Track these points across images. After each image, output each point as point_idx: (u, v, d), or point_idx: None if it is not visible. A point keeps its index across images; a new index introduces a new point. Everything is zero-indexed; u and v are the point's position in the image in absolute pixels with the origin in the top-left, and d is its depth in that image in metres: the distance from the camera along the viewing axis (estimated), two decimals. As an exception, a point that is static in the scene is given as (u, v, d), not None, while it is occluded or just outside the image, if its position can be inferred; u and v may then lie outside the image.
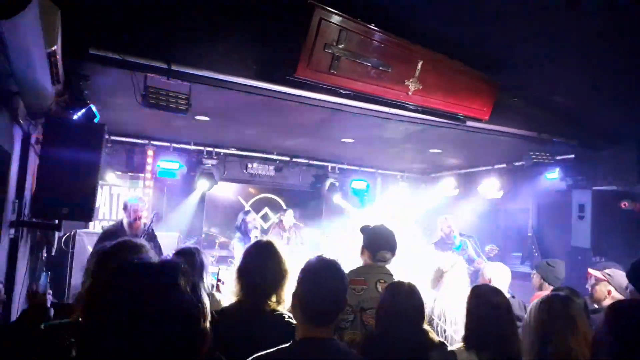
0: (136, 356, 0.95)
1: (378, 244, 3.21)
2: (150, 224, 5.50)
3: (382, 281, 3.04)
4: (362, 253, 3.28)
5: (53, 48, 3.16)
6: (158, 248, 5.43)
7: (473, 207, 8.72)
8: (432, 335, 2.55)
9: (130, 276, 1.04)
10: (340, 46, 4.22)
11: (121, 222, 5.48)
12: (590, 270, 4.14)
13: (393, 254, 3.23)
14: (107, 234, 5.22)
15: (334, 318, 1.92)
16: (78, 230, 6.83)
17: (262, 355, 1.84)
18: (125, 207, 5.48)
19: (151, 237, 5.50)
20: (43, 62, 3.08)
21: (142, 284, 1.01)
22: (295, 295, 1.94)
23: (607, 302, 3.67)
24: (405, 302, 2.46)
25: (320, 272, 1.95)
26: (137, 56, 4.12)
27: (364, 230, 3.37)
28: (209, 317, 1.11)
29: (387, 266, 3.22)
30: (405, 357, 2.33)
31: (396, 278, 3.19)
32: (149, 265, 1.07)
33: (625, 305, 1.68)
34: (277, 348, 1.85)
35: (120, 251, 2.21)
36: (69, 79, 4.28)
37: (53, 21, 3.11)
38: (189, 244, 6.61)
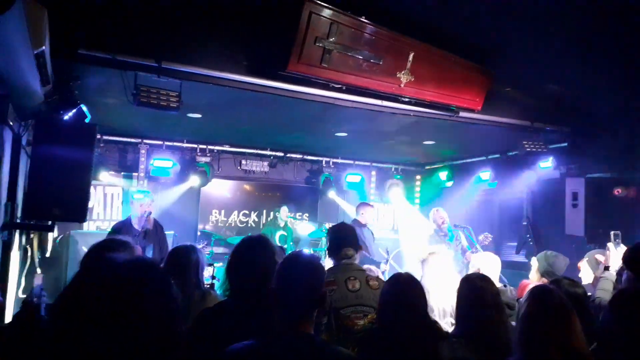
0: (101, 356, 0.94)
1: (338, 242, 3.19)
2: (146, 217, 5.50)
3: (353, 278, 2.99)
4: (329, 255, 3.26)
5: (41, 49, 3.13)
6: (164, 241, 5.54)
7: (468, 197, 8.74)
8: (439, 326, 2.55)
9: (98, 274, 1.02)
10: (331, 40, 4.20)
11: (129, 218, 5.51)
12: (580, 264, 4.20)
13: (356, 250, 3.20)
14: (115, 231, 5.35)
15: (311, 313, 1.90)
16: (72, 232, 6.80)
17: (235, 347, 1.81)
18: (132, 203, 5.50)
19: (162, 230, 5.62)
20: (31, 63, 3.04)
21: (110, 282, 0.99)
22: (271, 290, 1.92)
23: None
24: (406, 291, 2.43)
25: (297, 266, 1.93)
26: (126, 55, 4.10)
27: (327, 233, 3.39)
28: (180, 316, 1.09)
29: (356, 262, 3.20)
30: (413, 348, 2.32)
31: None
32: (118, 264, 1.04)
33: (631, 295, 1.68)
34: (252, 340, 1.83)
35: (104, 251, 2.18)
36: (58, 79, 4.25)
37: (40, 22, 3.07)
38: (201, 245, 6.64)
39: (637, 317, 1.49)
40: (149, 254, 5.33)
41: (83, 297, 0.97)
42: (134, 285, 1.00)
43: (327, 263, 3.29)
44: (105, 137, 7.42)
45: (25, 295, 4.42)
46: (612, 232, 4.00)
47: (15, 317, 2.31)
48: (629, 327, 1.49)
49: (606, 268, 3.76)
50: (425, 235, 6.93)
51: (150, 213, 5.40)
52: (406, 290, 2.44)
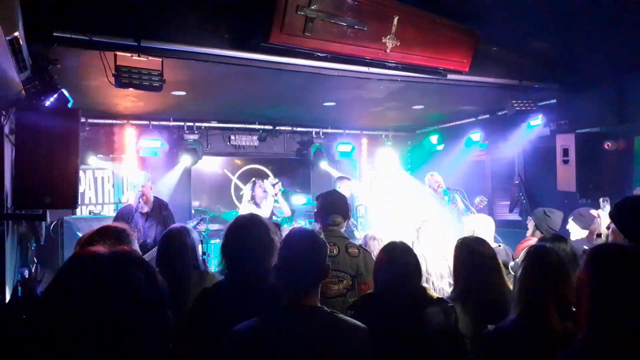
0: (89, 350, 0.97)
1: (328, 209, 3.25)
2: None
3: (332, 244, 3.06)
4: (315, 220, 3.34)
5: (14, 34, 3.03)
6: (169, 219, 5.60)
7: (459, 159, 8.76)
8: (430, 292, 2.59)
9: (79, 269, 1.06)
10: (312, 7, 4.11)
11: (131, 202, 5.57)
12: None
13: (344, 218, 3.28)
14: (121, 214, 5.45)
15: (316, 286, 1.95)
16: (65, 218, 6.76)
17: (244, 325, 1.84)
18: (134, 186, 5.54)
19: (165, 208, 5.71)
20: (4, 50, 2.95)
21: (90, 276, 1.03)
22: (276, 267, 1.97)
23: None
24: (401, 260, 2.47)
25: (300, 242, 1.98)
26: (104, 35, 4.00)
27: (317, 199, 3.44)
28: (166, 305, 1.12)
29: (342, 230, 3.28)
30: (403, 315, 2.35)
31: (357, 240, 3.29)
32: (98, 257, 1.07)
33: (605, 249, 1.70)
34: (260, 317, 1.86)
35: (101, 237, 2.18)
36: (36, 64, 4.14)
37: (11, 7, 2.97)
38: (192, 224, 6.64)
39: (610, 272, 1.52)
40: (151, 232, 5.37)
41: (68, 292, 0.99)
42: (117, 277, 1.02)
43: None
44: (90, 121, 7.32)
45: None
46: (600, 199, 4.03)
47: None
48: (602, 281, 1.52)
49: (598, 235, 3.81)
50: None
51: (142, 194, 5.40)
52: (401, 258, 2.47)
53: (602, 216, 3.92)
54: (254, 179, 6.78)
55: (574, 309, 1.91)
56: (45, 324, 0.98)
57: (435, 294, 2.65)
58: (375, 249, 4.00)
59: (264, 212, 6.21)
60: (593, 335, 1.48)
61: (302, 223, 7.59)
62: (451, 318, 2.40)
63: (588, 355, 1.48)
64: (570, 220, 4.27)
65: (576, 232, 4.16)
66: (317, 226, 3.32)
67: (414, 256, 2.54)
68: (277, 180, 6.90)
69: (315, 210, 3.36)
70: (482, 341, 2.13)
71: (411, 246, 2.68)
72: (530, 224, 4.44)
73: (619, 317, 1.44)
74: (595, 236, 3.85)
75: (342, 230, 3.29)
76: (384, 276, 2.48)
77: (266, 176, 8.90)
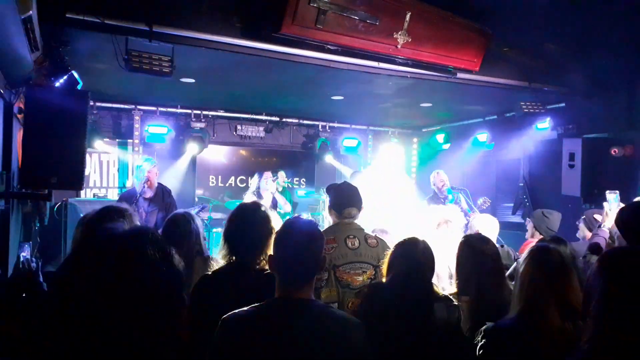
0: (105, 327, 0.97)
1: (343, 202, 3.24)
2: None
3: (352, 236, 3.09)
4: (330, 213, 3.31)
5: (28, 13, 3.05)
6: (172, 206, 5.56)
7: (465, 159, 8.74)
8: (437, 289, 2.60)
9: (98, 248, 1.07)
10: (325, 0, 4.10)
11: (135, 186, 5.57)
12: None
13: (359, 210, 3.26)
14: (125, 198, 5.43)
15: (311, 278, 1.89)
16: (70, 199, 6.78)
17: (234, 314, 1.82)
18: (139, 170, 5.54)
19: (168, 194, 5.66)
20: (18, 28, 2.97)
21: (109, 255, 1.03)
22: (271, 257, 1.90)
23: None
24: (421, 256, 2.49)
25: (296, 233, 1.91)
26: (116, 19, 4.01)
27: (329, 190, 3.40)
28: (181, 283, 1.11)
29: (356, 221, 3.26)
30: (410, 308, 2.37)
31: (368, 230, 3.29)
32: (117, 236, 1.08)
33: (618, 253, 1.69)
34: (251, 307, 1.82)
35: (104, 218, 2.18)
36: (48, 45, 4.16)
37: (25, -15, 2.98)
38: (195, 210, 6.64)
39: (624, 275, 1.51)
40: (152, 218, 5.38)
41: (84, 269, 1.00)
42: (133, 255, 1.02)
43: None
44: (98, 104, 7.34)
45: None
46: (607, 192, 3.99)
47: (11, 285, 2.33)
48: (615, 284, 1.51)
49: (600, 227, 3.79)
50: (423, 199, 6.97)
51: (147, 179, 5.41)
52: (420, 256, 2.49)
53: (607, 209, 3.86)
54: (261, 170, 6.84)
55: (574, 310, 1.92)
56: (62, 297, 0.99)
57: (441, 292, 2.66)
58: (387, 242, 3.99)
59: (264, 203, 6.23)
60: (605, 338, 1.47)
61: (305, 216, 7.60)
62: (454, 315, 2.42)
63: (601, 357, 1.47)
64: (581, 219, 4.28)
65: (583, 233, 4.17)
66: (330, 219, 3.31)
67: (432, 254, 2.55)
68: (275, 176, 6.95)
69: (330, 203, 3.33)
70: (481, 338, 2.13)
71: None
72: (529, 226, 4.44)
73: (633, 320, 1.42)
74: (598, 227, 3.84)
75: (357, 221, 3.28)
76: (400, 269, 2.49)
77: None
